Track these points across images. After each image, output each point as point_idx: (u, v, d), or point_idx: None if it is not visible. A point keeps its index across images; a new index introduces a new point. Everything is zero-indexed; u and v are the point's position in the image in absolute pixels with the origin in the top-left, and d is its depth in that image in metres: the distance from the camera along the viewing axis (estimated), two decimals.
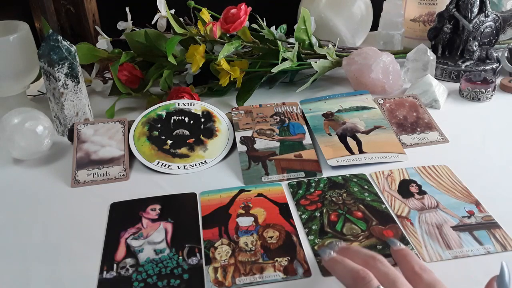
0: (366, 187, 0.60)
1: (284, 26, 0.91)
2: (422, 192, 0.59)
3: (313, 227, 0.54)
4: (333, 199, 0.58)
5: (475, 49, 0.87)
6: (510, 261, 0.48)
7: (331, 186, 0.61)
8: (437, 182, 0.61)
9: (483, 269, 0.48)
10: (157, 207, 0.58)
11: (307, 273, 0.48)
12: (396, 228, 0.53)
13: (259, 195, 0.60)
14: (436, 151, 0.68)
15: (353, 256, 0.44)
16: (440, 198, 0.58)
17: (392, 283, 0.40)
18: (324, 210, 0.57)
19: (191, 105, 0.75)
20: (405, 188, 0.60)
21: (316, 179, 0.62)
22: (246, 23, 0.82)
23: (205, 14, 0.83)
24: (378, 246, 0.51)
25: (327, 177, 0.62)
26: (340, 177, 0.62)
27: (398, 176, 0.62)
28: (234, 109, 0.77)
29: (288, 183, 0.62)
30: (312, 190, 0.60)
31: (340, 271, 0.43)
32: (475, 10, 0.86)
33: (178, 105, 0.75)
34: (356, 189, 0.60)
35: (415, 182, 0.61)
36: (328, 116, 0.74)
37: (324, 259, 0.46)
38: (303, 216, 0.56)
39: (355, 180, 0.62)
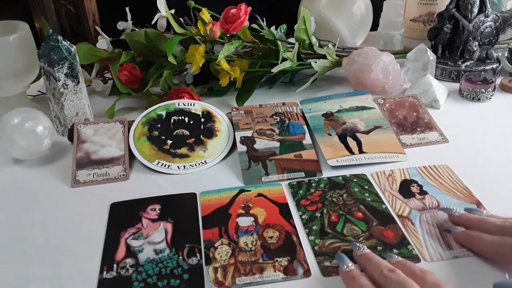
0: (366, 187, 0.60)
1: (284, 26, 0.91)
2: (423, 192, 0.59)
3: (314, 228, 0.54)
4: (334, 199, 0.58)
5: (475, 49, 0.87)
6: None
7: (332, 187, 0.61)
8: (438, 182, 0.61)
9: (484, 269, 0.48)
10: (157, 207, 0.58)
11: (307, 273, 0.48)
12: (397, 228, 0.53)
13: (259, 195, 0.60)
14: (436, 151, 0.68)
15: (372, 268, 0.45)
16: (441, 198, 0.58)
17: None
18: (325, 211, 0.56)
19: (191, 105, 0.75)
20: (406, 188, 0.60)
21: (317, 179, 0.62)
22: (246, 23, 0.82)
23: (205, 14, 0.83)
24: (378, 247, 0.51)
25: (328, 177, 0.62)
26: (340, 177, 0.62)
27: (399, 176, 0.62)
28: (234, 109, 0.76)
29: (288, 183, 0.62)
30: (312, 190, 0.60)
31: None
32: (475, 10, 0.86)
33: (178, 105, 0.75)
34: (356, 189, 0.60)
35: (416, 182, 0.61)
36: (328, 116, 0.74)
37: (341, 269, 0.46)
38: (303, 217, 0.56)
39: (355, 180, 0.62)
